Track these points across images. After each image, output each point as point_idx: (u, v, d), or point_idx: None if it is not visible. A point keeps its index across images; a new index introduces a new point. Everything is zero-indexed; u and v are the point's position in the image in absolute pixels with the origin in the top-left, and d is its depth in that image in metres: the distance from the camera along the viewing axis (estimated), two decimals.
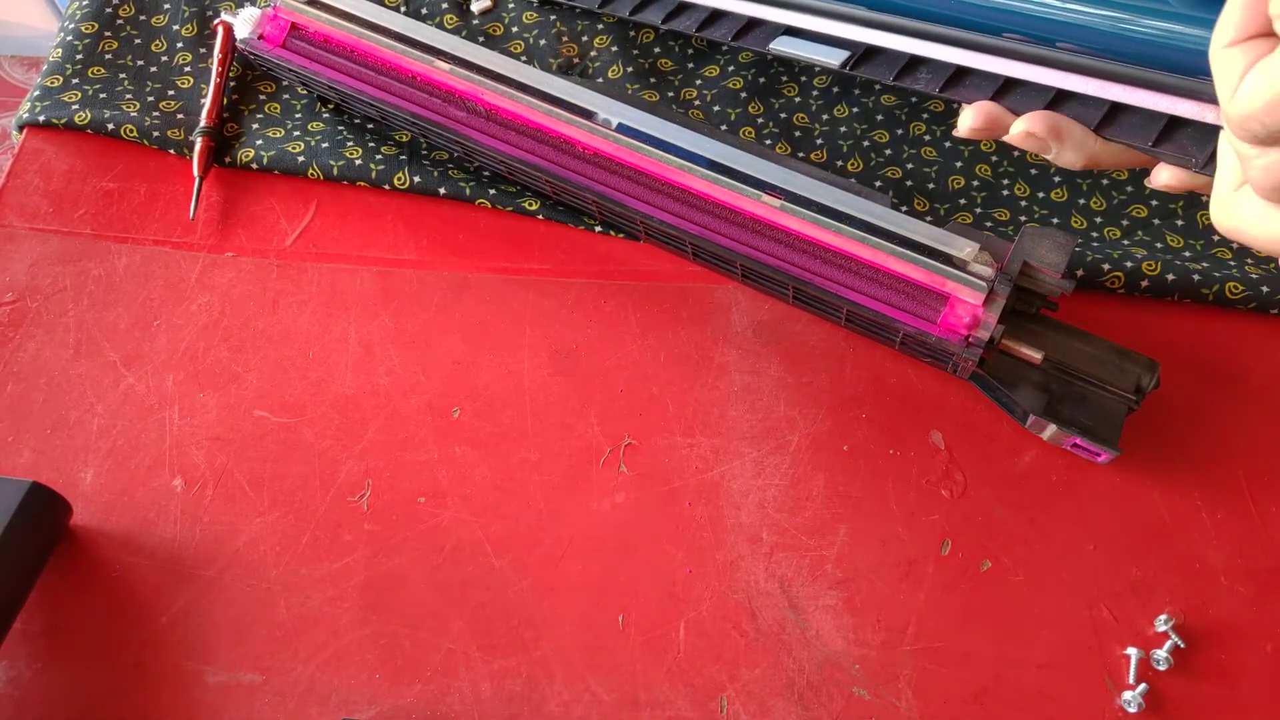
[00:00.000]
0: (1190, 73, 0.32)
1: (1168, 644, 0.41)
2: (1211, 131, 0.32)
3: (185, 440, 0.48)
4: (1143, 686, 0.41)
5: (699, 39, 0.56)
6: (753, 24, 0.42)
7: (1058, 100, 0.35)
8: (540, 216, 0.54)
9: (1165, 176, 0.34)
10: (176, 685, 0.42)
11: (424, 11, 0.61)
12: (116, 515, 0.46)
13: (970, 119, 0.37)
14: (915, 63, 0.38)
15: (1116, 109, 0.34)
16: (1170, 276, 0.49)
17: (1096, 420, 0.44)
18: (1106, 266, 0.49)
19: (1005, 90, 0.36)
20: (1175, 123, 0.33)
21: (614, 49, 0.59)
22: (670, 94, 0.58)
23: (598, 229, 0.54)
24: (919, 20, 0.38)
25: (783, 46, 0.41)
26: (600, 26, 0.60)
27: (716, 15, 0.43)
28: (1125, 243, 0.51)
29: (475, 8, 0.61)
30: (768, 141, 0.56)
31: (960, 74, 0.37)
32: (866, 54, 0.39)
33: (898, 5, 0.38)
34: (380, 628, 0.43)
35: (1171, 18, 0.31)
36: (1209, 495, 0.45)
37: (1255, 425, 0.47)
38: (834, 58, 0.40)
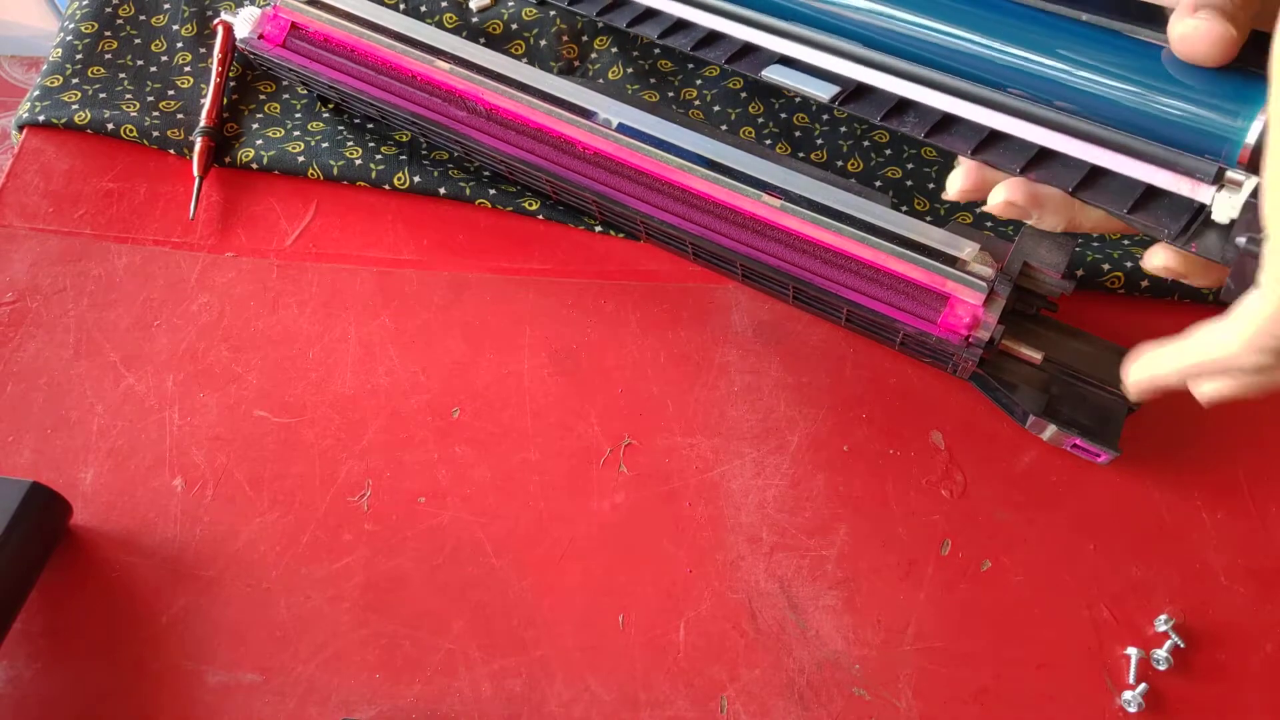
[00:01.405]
0: (1172, 143, 0.32)
1: (1168, 644, 0.41)
2: (1185, 204, 0.32)
3: (185, 440, 0.48)
4: (1143, 686, 0.41)
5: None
6: (748, 49, 0.43)
7: (1040, 158, 0.35)
8: (540, 216, 0.54)
9: (1160, 260, 0.34)
10: (176, 685, 0.42)
11: (423, 9, 0.61)
12: (116, 515, 0.46)
13: (960, 181, 0.37)
14: (904, 105, 0.38)
15: (1096, 173, 0.34)
16: None
17: (1096, 420, 0.44)
18: (1106, 266, 0.49)
19: (989, 143, 0.36)
20: (1152, 192, 0.33)
21: (614, 49, 0.59)
22: (670, 94, 0.58)
23: (598, 229, 0.53)
24: (914, 64, 0.38)
25: (775, 75, 0.41)
26: (600, 26, 0.60)
27: (713, 36, 0.44)
28: (1125, 243, 0.51)
29: (474, 5, 0.61)
30: (768, 141, 0.56)
31: (947, 121, 0.37)
32: (857, 91, 0.39)
33: (896, 47, 0.38)
34: (380, 628, 0.43)
35: (1172, 94, 0.31)
36: (1209, 495, 0.45)
37: (1255, 425, 0.47)
38: (824, 91, 0.40)
